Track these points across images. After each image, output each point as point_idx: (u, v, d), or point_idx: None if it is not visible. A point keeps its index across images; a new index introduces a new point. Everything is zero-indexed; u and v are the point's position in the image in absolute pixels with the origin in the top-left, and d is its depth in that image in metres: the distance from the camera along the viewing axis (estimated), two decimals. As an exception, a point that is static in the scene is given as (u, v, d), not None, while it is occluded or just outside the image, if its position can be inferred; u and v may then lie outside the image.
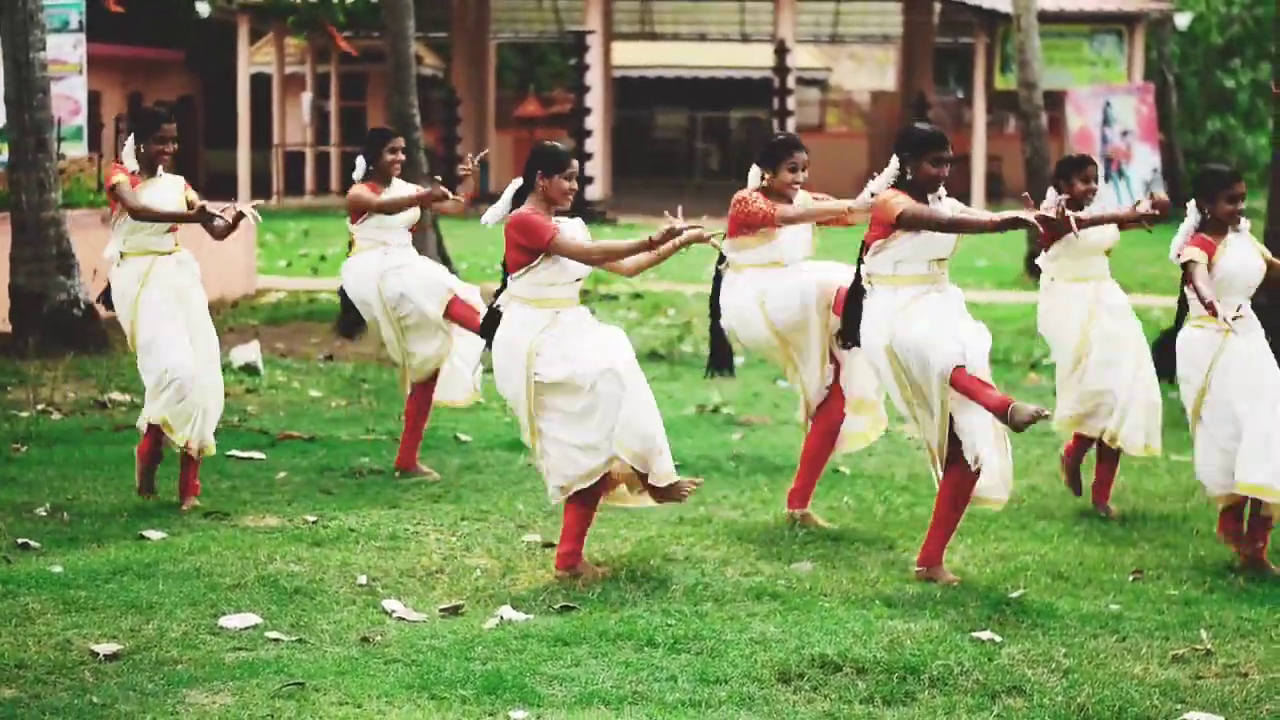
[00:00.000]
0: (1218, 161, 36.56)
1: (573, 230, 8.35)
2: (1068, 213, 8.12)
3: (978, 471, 8.28)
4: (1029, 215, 7.94)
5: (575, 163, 8.39)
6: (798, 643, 7.14)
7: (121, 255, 9.70)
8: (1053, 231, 9.49)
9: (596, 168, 35.85)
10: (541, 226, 8.19)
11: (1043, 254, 10.14)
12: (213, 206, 9.60)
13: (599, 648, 7.09)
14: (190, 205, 9.70)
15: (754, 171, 9.55)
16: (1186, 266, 8.67)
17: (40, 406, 12.63)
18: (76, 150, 21.50)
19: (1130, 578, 8.58)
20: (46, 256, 15.30)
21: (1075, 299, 9.99)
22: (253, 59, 39.55)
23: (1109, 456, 10.17)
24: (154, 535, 8.94)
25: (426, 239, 18.73)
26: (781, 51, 36.26)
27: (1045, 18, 31.53)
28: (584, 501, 8.36)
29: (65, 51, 21.40)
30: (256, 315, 18.33)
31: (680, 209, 8.36)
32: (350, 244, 10.81)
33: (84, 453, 11.07)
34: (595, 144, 35.71)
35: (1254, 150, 39.30)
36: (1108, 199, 28.04)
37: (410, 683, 6.62)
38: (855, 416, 9.63)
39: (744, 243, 9.47)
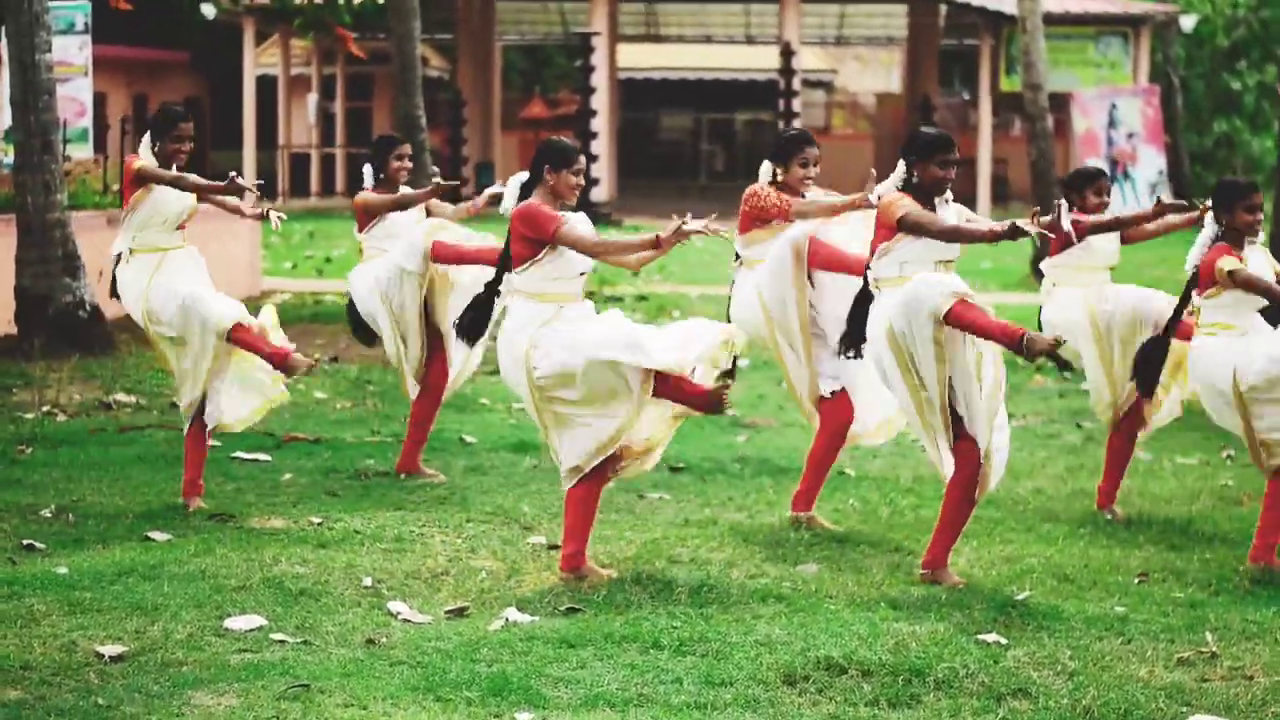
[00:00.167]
0: (1224, 165, 36.65)
1: (578, 224, 8.34)
2: (1066, 223, 8.08)
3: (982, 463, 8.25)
4: (1030, 226, 7.94)
5: (583, 158, 8.37)
6: (803, 645, 7.13)
7: (130, 252, 9.71)
8: (1062, 238, 9.50)
9: (602, 169, 35.87)
10: (547, 217, 8.16)
11: (1046, 260, 10.15)
12: (241, 182, 9.59)
13: (604, 650, 7.08)
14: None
15: (766, 167, 9.55)
16: (1233, 275, 8.64)
17: (45, 408, 12.63)
18: (82, 152, 21.54)
19: (1136, 580, 8.57)
20: (52, 258, 15.31)
21: (1077, 302, 9.99)
22: (258, 60, 39.59)
23: (1117, 460, 10.16)
24: (159, 537, 8.95)
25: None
26: (787, 53, 36.28)
27: (1051, 20, 31.51)
28: (586, 494, 8.32)
29: (71, 53, 21.44)
30: (262, 317, 18.31)
31: (689, 214, 8.31)
32: (360, 252, 10.80)
33: (89, 454, 11.07)
34: (600, 146, 35.72)
35: (1260, 153, 39.29)
36: (1113, 201, 27.98)
37: (415, 684, 6.62)
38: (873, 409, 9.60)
39: (755, 238, 9.48)
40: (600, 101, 35.90)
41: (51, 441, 11.50)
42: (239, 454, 11.12)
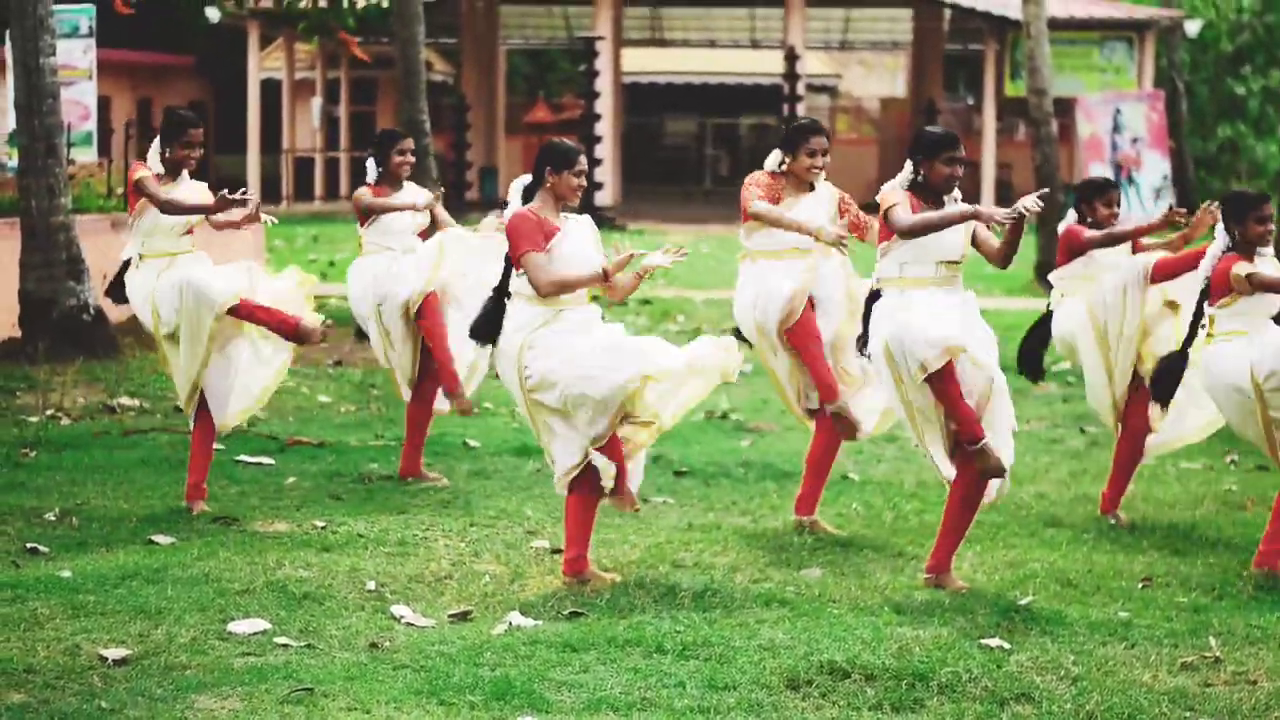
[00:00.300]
0: (1229, 170, 36.62)
1: (573, 239, 8.23)
2: (1025, 209, 8.03)
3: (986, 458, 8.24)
4: (990, 212, 7.98)
5: (584, 159, 8.34)
6: (806, 649, 7.13)
7: (140, 257, 9.72)
8: (1065, 246, 9.61)
9: (606, 174, 35.88)
10: (519, 239, 8.14)
11: (1054, 272, 10.18)
12: (232, 197, 9.58)
13: (607, 654, 7.08)
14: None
15: (775, 155, 9.52)
16: (1251, 278, 8.67)
17: (50, 411, 12.64)
18: (86, 155, 21.55)
19: (1139, 585, 8.57)
20: (56, 262, 15.31)
21: (1082, 309, 10.01)
22: (263, 64, 39.62)
23: (1124, 466, 10.15)
24: (163, 540, 8.95)
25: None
26: (791, 58, 36.28)
27: (1055, 25, 31.51)
28: (581, 500, 8.32)
29: (75, 57, 21.46)
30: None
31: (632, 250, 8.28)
32: (360, 246, 10.79)
33: (93, 458, 11.07)
34: (605, 150, 35.73)
35: (1264, 157, 39.25)
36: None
37: (419, 688, 6.62)
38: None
39: (751, 227, 9.47)
40: (604, 106, 35.91)
41: (55, 445, 11.50)
42: (242, 457, 11.12)
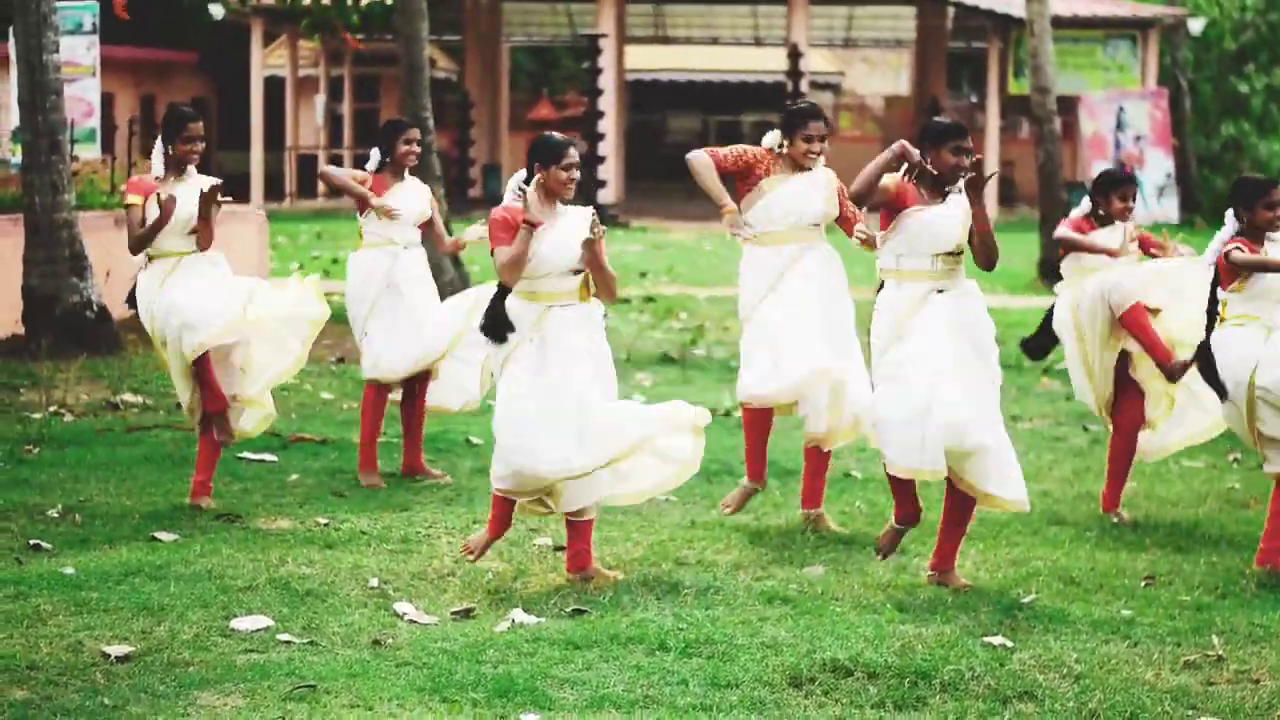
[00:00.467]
0: (1232, 168, 36.63)
1: (551, 239, 8.18)
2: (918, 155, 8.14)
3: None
4: (908, 148, 8.15)
5: (574, 151, 8.28)
6: (809, 647, 7.13)
7: (149, 258, 9.72)
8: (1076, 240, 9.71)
9: (609, 171, 35.88)
10: (491, 236, 8.20)
11: (1063, 262, 10.22)
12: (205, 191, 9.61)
13: (610, 651, 7.08)
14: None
15: (773, 134, 9.50)
16: (1228, 256, 8.78)
17: (53, 408, 12.64)
18: (90, 152, 21.54)
19: (1142, 583, 8.57)
20: (59, 258, 15.31)
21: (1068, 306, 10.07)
22: (266, 61, 39.63)
23: (1117, 463, 10.15)
24: (166, 537, 8.95)
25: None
26: (795, 55, 36.28)
27: (1059, 23, 31.51)
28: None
29: (79, 54, 21.44)
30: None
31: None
32: (360, 237, 10.74)
33: (96, 454, 11.07)
34: (608, 147, 35.73)
35: (1267, 155, 39.24)
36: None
37: (422, 685, 6.62)
38: None
39: (749, 201, 9.45)
40: (608, 103, 35.91)
41: (58, 442, 11.50)
42: (245, 454, 11.13)
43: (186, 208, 9.59)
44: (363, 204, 10.53)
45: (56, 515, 9.43)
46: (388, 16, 24.38)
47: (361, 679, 6.68)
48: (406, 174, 10.66)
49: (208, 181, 9.70)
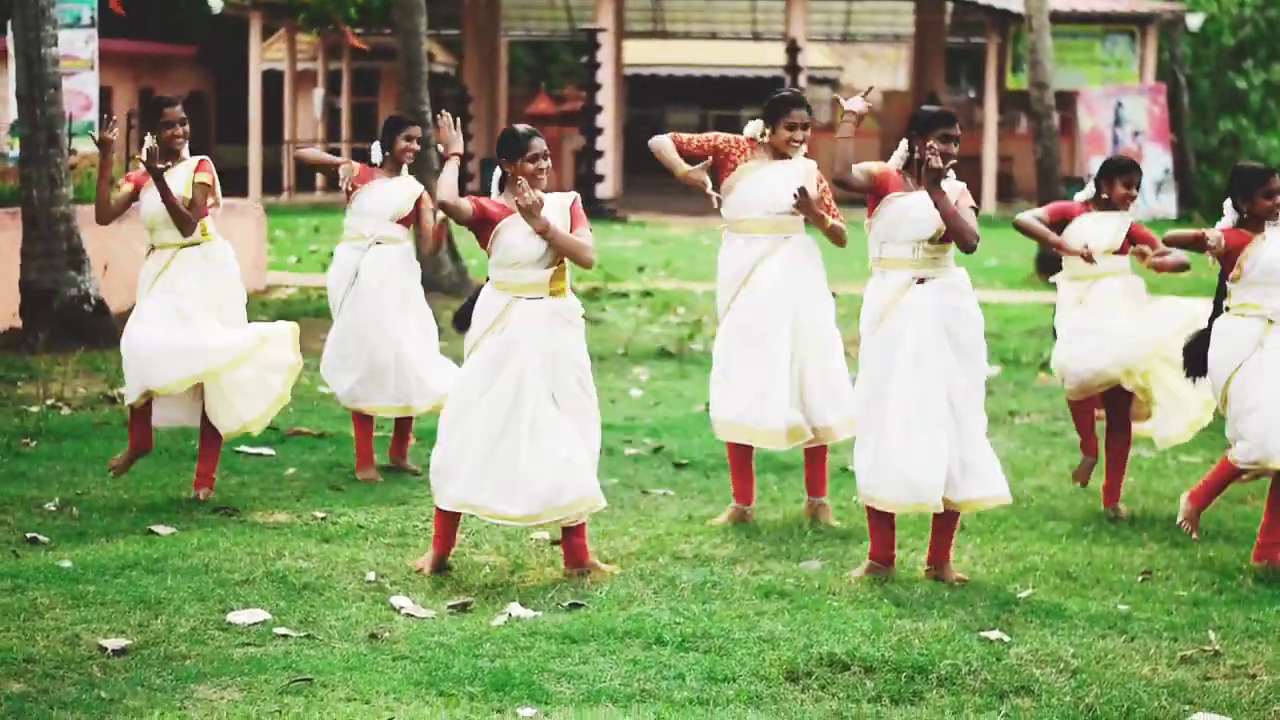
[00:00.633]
0: (1230, 163, 36.61)
1: (510, 231, 8.14)
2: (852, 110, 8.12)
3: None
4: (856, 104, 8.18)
5: (538, 142, 8.18)
6: (806, 641, 7.13)
7: (151, 249, 9.75)
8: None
9: (607, 166, 35.86)
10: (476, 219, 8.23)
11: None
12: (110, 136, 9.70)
13: (607, 645, 7.09)
14: (195, 190, 9.66)
15: (754, 124, 9.47)
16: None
17: (50, 401, 12.64)
18: (87, 146, 21.53)
19: (1139, 578, 8.57)
20: (57, 252, 15.32)
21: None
22: (265, 55, 39.60)
23: (1119, 458, 10.17)
24: (163, 530, 8.95)
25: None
26: (793, 50, 36.28)
27: (1057, 18, 31.49)
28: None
29: (77, 47, 21.47)
30: (266, 311, 18.31)
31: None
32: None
33: (93, 448, 11.07)
34: (606, 142, 35.72)
35: (1265, 151, 39.23)
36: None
37: (418, 679, 6.62)
38: None
39: (727, 185, 9.44)
40: (606, 98, 35.88)
41: (56, 435, 11.50)
42: (243, 448, 11.13)
43: (152, 205, 9.63)
44: (349, 196, 10.60)
45: (54, 508, 9.43)
46: (386, 10, 24.40)
47: (358, 672, 6.68)
48: (405, 170, 10.68)
49: (191, 164, 9.71)
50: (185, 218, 9.56)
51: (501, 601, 7.79)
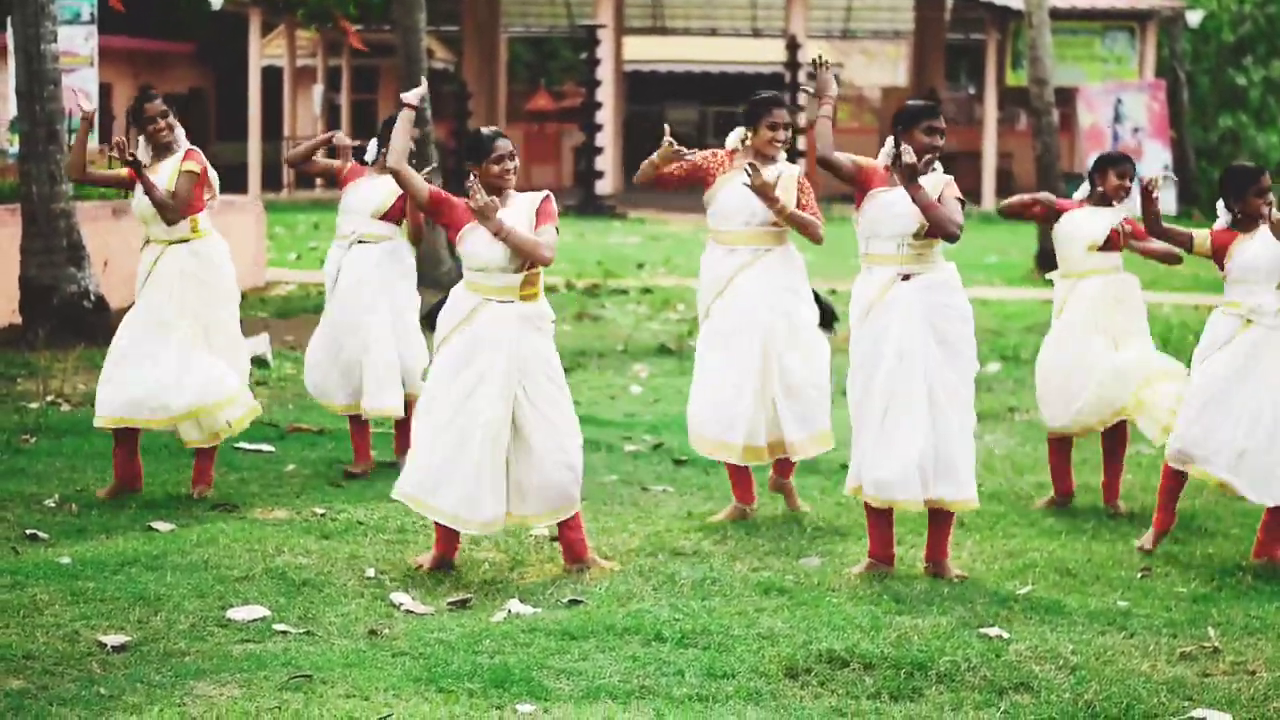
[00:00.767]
0: (1230, 160, 36.61)
1: (474, 235, 8.11)
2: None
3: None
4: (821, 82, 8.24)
5: (503, 143, 8.17)
6: (805, 638, 7.13)
7: (146, 241, 9.77)
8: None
9: (607, 162, 35.86)
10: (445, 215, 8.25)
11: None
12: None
13: (606, 642, 7.09)
14: (180, 178, 9.66)
15: (737, 132, 9.47)
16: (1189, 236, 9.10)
17: (50, 398, 12.64)
18: (91, 143, 21.54)
19: (1138, 575, 8.58)
20: (57, 248, 15.31)
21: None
22: (264, 52, 39.59)
23: (1116, 455, 10.17)
24: (162, 527, 8.95)
25: (436, 232, 18.74)
26: (793, 47, 36.24)
27: (1057, 14, 31.50)
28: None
29: (77, 44, 21.47)
30: (266, 308, 18.33)
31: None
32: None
33: (93, 444, 11.07)
34: (606, 138, 35.71)
35: (1265, 148, 39.26)
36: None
37: (418, 675, 6.62)
38: None
39: (709, 197, 9.47)
40: (605, 94, 35.87)
41: (55, 431, 11.50)
42: (242, 444, 11.12)
43: (140, 199, 9.64)
44: (337, 174, 10.82)
45: (53, 505, 9.43)
46: (385, 7, 24.39)
47: (358, 669, 6.68)
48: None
49: (177, 156, 9.72)
50: (165, 204, 9.54)
51: (501, 598, 7.79)
